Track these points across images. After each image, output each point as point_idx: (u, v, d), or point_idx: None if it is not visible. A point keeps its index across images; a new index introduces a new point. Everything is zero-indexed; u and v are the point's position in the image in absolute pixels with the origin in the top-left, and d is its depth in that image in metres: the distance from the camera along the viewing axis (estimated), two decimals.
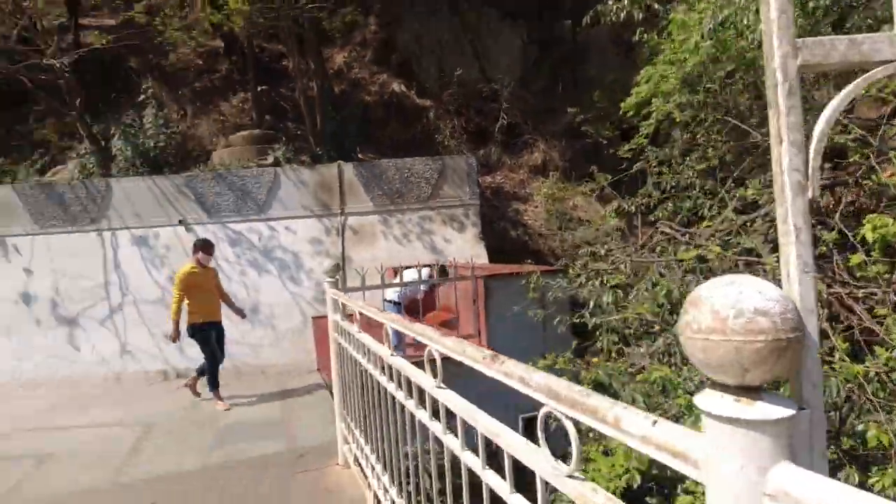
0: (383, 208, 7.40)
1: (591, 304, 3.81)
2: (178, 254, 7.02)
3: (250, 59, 9.47)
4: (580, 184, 7.89)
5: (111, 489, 3.60)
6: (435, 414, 1.56)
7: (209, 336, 5.23)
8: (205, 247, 5.33)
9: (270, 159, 7.49)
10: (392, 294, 5.31)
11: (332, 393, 3.59)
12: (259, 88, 9.51)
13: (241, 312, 5.60)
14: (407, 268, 5.65)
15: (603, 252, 4.44)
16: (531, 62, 11.53)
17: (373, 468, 2.56)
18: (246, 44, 9.31)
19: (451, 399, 1.43)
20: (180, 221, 7.02)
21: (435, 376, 1.52)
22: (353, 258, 7.16)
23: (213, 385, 5.30)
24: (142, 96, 7.80)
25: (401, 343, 4.53)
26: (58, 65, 6.71)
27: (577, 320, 4.15)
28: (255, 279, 6.99)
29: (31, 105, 9.74)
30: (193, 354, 6.77)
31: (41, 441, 4.58)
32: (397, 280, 5.54)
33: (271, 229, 7.13)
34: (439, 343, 1.45)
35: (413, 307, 4.96)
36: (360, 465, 2.97)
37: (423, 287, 5.22)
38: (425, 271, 5.11)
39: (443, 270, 5.69)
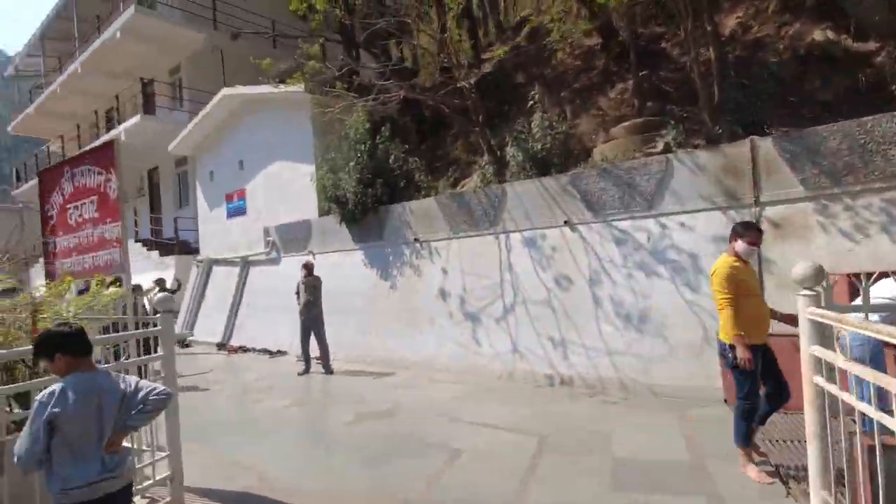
0: (821, 192, 5.34)
1: None
2: (564, 255, 6.82)
3: (630, 43, 8.71)
4: None
5: None
6: None
7: (756, 364, 3.43)
8: (748, 231, 3.59)
9: (660, 146, 6.50)
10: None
11: None
12: (640, 74, 8.65)
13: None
14: (878, 276, 3.61)
15: None
16: None
17: None
18: (626, 24, 8.61)
19: None
20: (565, 222, 6.81)
21: None
22: (776, 260, 5.40)
23: (744, 438, 3.58)
24: (530, 103, 8.07)
25: None
26: (466, 86, 7.55)
27: None
28: (644, 283, 6.11)
29: (447, 130, 11.72)
30: (576, 361, 6.44)
31: (451, 432, 4.88)
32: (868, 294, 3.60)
33: (662, 226, 6.12)
34: None
35: None
36: None
37: None
38: None
39: None
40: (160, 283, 11.25)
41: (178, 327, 12.67)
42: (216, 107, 12.03)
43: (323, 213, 10.25)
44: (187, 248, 14.66)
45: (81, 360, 2.28)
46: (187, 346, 11.77)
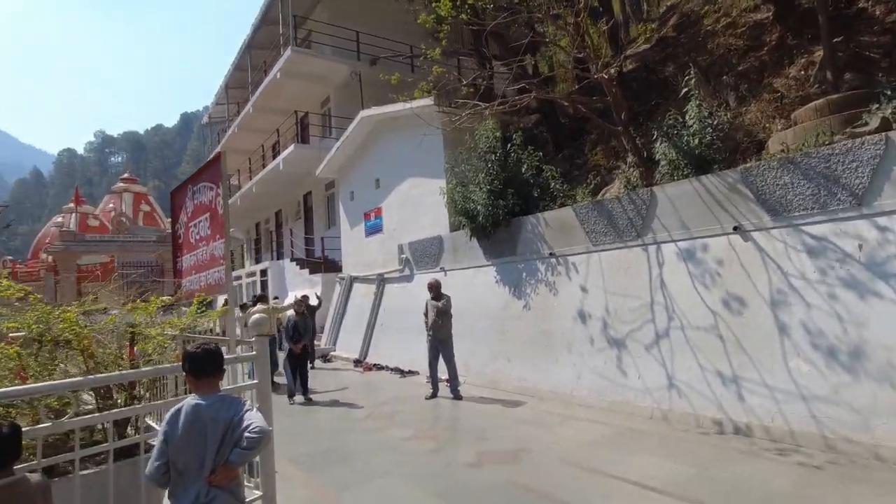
0: None
1: None
2: (733, 270, 5.49)
3: (819, 5, 7.00)
4: None
5: None
6: None
7: None
8: None
9: (873, 123, 4.90)
10: None
11: None
12: (832, 41, 6.88)
13: None
14: None
15: None
16: None
17: None
18: None
19: None
20: (735, 228, 5.49)
21: None
22: None
23: None
24: (683, 91, 6.85)
25: None
26: (605, 76, 6.63)
27: None
28: (856, 306, 4.57)
29: (585, 138, 10.73)
30: (756, 404, 5.05)
31: (587, 490, 3.98)
32: None
33: (881, 229, 4.55)
34: None
35: None
36: None
37: None
38: None
39: None
40: (304, 299, 11.89)
41: (322, 342, 13.31)
42: (355, 129, 12.55)
43: (454, 228, 9.93)
44: (333, 266, 15.51)
45: (202, 383, 2.28)
46: (329, 360, 12.25)
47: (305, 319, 8.83)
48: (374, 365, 10.69)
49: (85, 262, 24.40)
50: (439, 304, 7.61)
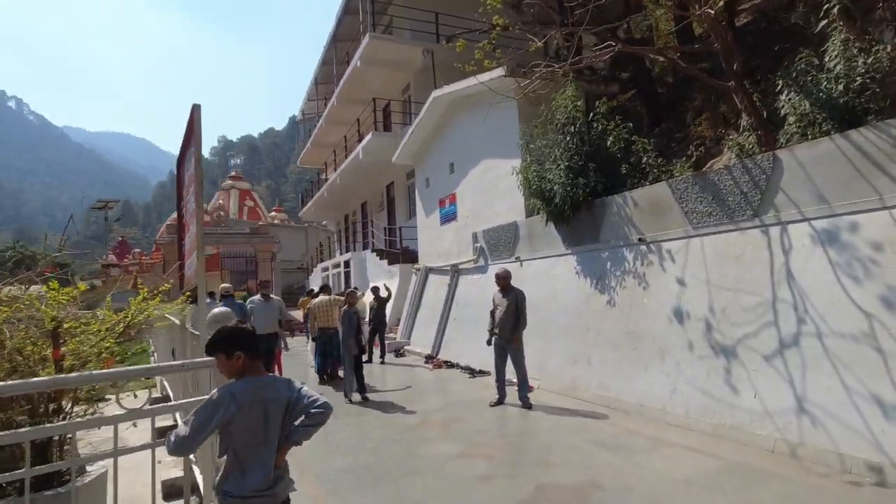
0: None
1: None
2: None
3: None
4: None
5: None
6: None
7: None
8: None
9: None
10: None
11: None
12: None
13: None
14: None
15: None
16: None
17: None
18: None
19: None
20: None
21: None
22: None
23: None
24: (821, 24, 5.24)
25: None
26: (710, 12, 5.22)
27: None
28: None
29: (685, 106, 9.11)
30: None
31: None
32: None
33: None
34: None
35: None
36: None
37: None
38: None
39: None
40: (375, 291, 11.44)
41: (398, 335, 12.85)
42: (428, 111, 11.85)
43: (530, 213, 8.87)
44: (411, 257, 15.02)
45: (255, 364, 2.21)
46: (401, 355, 11.73)
47: (359, 312, 8.33)
48: (445, 362, 9.96)
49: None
50: (507, 299, 6.63)
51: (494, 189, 10.01)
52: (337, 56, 21.06)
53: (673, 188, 6.10)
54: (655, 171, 6.95)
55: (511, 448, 4.92)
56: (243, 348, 2.17)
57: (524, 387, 6.50)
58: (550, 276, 8.14)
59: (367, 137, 15.98)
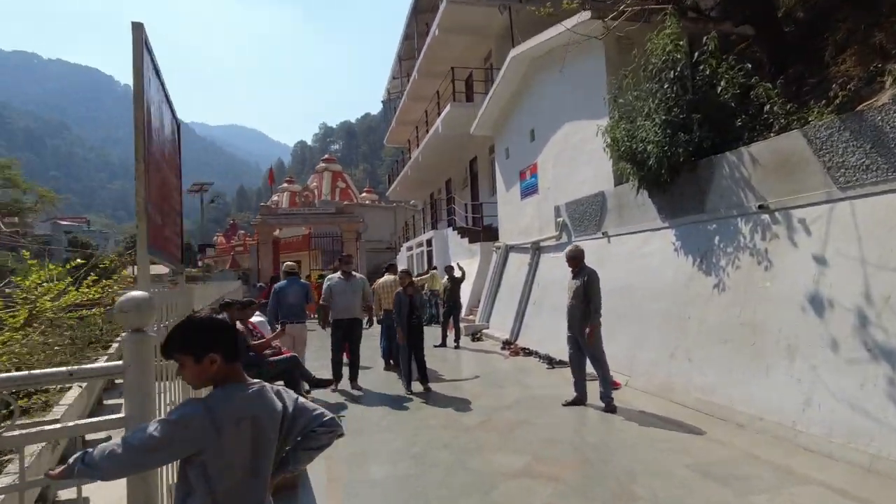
0: None
1: None
2: None
3: None
4: None
5: None
6: None
7: None
8: None
9: None
10: None
11: None
12: None
13: None
14: None
15: None
16: None
17: None
18: None
19: None
20: None
21: None
22: None
23: None
24: None
25: None
26: None
27: None
28: None
29: (821, 44, 7.23)
30: None
31: None
32: None
33: None
34: None
35: None
36: None
37: None
38: None
39: None
40: (448, 270, 10.75)
41: (477, 318, 12.11)
42: (506, 73, 10.78)
43: (619, 180, 7.62)
44: (493, 234, 14.14)
45: (236, 367, 1.62)
46: (478, 339, 10.98)
47: (419, 296, 7.50)
48: (523, 349, 9.05)
49: (288, 235, 27.51)
50: (577, 281, 5.58)
51: (578, 155, 8.80)
52: (418, 29, 20.41)
53: (810, 137, 4.65)
54: (783, 119, 5.45)
55: (585, 468, 3.96)
56: (219, 348, 1.56)
57: (606, 385, 5.46)
58: (643, 253, 6.90)
59: (446, 109, 15.19)
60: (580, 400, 5.61)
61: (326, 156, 39.70)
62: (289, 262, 7.44)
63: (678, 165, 6.07)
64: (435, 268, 15.09)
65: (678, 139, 5.93)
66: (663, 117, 6.06)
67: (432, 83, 18.89)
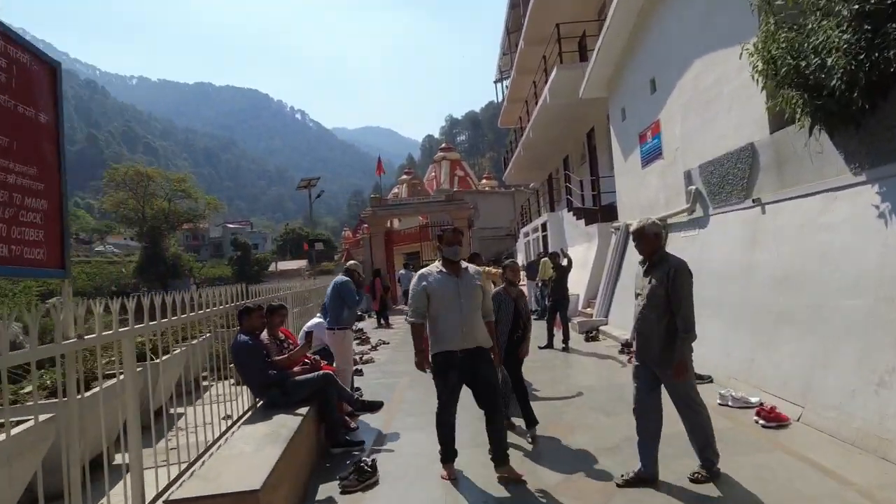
0: None
1: None
2: None
3: None
4: None
5: None
6: None
7: None
8: None
9: None
10: None
11: None
12: None
13: None
14: None
15: None
16: None
17: None
18: None
19: None
20: None
21: None
22: None
23: None
24: None
25: None
26: None
27: None
28: None
29: None
30: None
31: None
32: None
33: None
34: None
35: None
36: None
37: None
38: None
39: None
40: (553, 258, 9.10)
41: (595, 313, 10.25)
42: (617, 12, 8.74)
43: (778, 123, 5.37)
44: (612, 215, 12.02)
45: None
46: (593, 338, 9.12)
47: (500, 297, 4.72)
48: None
49: (405, 227, 27.40)
50: (651, 280, 3.41)
51: (714, 100, 6.57)
52: None
53: None
54: None
55: None
56: None
57: (707, 449, 3.41)
58: (822, 226, 4.66)
59: (552, 74, 13.27)
60: (647, 476, 3.42)
61: (443, 144, 39.32)
62: (351, 262, 6.36)
63: (885, 82, 3.82)
64: (548, 255, 13.38)
65: (887, 36, 3.68)
66: (855, 7, 3.83)
67: (539, 51, 16.97)
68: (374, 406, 4.90)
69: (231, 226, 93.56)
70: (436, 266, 3.80)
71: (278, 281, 8.58)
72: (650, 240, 3.47)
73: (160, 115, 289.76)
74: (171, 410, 4.01)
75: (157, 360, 4.70)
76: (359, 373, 7.77)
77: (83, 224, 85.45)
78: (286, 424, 3.69)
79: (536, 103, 16.62)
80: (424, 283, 3.66)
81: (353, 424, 4.74)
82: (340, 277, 5.46)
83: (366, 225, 34.31)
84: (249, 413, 4.19)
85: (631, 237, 3.70)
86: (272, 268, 56.07)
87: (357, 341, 11.25)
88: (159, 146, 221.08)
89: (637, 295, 3.58)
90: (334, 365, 5.33)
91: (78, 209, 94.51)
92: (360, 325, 14.56)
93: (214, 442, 3.53)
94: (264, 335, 4.51)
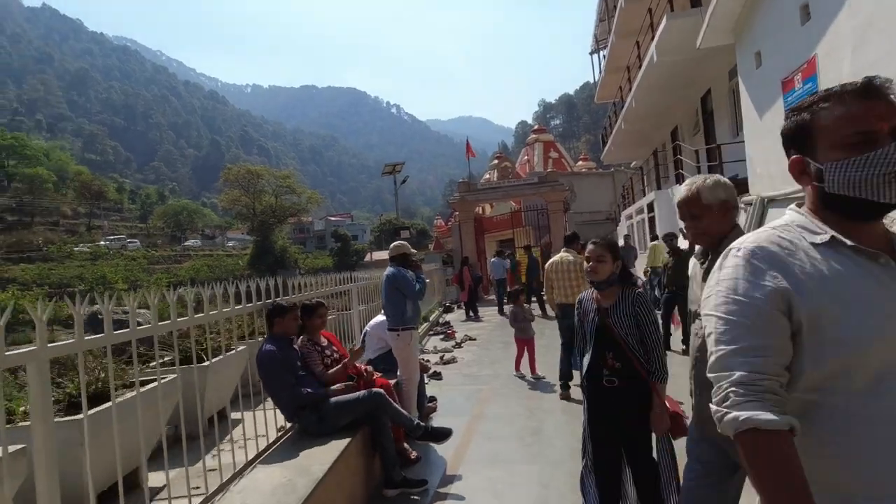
0: None
1: None
2: None
3: None
4: None
5: None
6: None
7: None
8: None
9: None
10: None
11: None
12: None
13: None
14: None
15: None
16: None
17: None
18: None
19: None
20: None
21: None
22: None
23: None
24: None
25: None
26: None
27: None
28: None
29: None
30: None
31: None
32: None
33: None
34: None
35: None
36: None
37: None
38: None
39: None
40: (668, 240, 7.52)
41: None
42: None
43: None
44: (739, 187, 9.97)
45: None
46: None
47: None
48: None
49: (498, 213, 26.21)
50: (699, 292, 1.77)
51: None
52: None
53: None
54: None
55: None
56: None
57: None
58: None
59: (661, 26, 11.31)
60: None
61: (536, 126, 37.42)
62: (398, 242, 4.75)
63: None
64: (658, 237, 11.61)
65: None
66: None
67: (643, 6, 14.87)
68: (440, 435, 3.82)
69: (333, 219, 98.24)
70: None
71: (369, 271, 7.89)
72: (713, 214, 1.88)
73: (271, 118, 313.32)
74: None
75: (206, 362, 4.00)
76: (437, 376, 6.86)
77: (208, 221, 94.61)
78: (309, 470, 2.74)
79: (640, 67, 14.61)
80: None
81: (413, 454, 3.75)
82: (391, 268, 4.46)
83: (457, 213, 33.61)
84: (280, 441, 3.32)
85: (677, 212, 2.07)
86: (367, 258, 57.77)
87: (441, 336, 10.40)
88: (271, 147, 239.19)
89: (695, 316, 1.93)
90: (398, 374, 4.42)
91: (204, 208, 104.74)
92: (447, 317, 13.74)
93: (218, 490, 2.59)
94: (299, 342, 3.67)
